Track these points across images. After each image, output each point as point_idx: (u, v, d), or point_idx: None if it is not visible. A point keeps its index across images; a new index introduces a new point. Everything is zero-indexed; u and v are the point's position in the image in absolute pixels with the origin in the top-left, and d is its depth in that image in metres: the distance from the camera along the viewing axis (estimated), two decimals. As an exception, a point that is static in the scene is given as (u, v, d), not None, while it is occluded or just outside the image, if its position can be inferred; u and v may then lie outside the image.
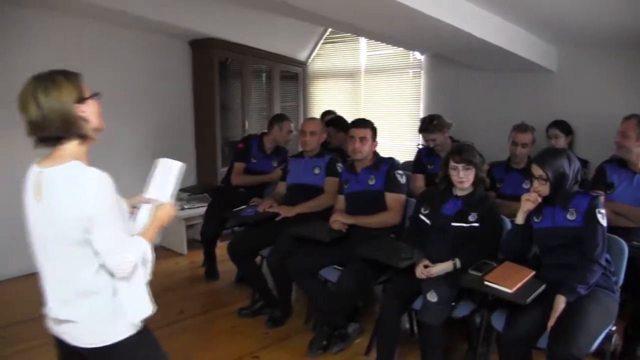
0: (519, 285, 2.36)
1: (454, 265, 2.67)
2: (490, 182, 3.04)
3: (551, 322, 2.27)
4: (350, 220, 3.24)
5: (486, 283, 2.40)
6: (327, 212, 3.45)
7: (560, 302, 2.29)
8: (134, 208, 1.83)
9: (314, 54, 6.45)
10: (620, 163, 3.17)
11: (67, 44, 4.44)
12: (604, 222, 2.41)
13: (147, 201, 1.82)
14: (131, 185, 1.95)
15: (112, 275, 1.60)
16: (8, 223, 4.12)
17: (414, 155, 4.22)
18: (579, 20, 3.59)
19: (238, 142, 4.68)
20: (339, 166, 3.66)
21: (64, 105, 1.52)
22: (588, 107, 4.10)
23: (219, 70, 5.39)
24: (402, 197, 3.29)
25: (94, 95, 1.62)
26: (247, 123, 5.72)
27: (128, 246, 1.59)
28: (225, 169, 4.71)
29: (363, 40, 5.94)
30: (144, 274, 1.66)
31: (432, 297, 2.57)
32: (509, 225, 2.83)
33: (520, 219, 2.60)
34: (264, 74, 6.10)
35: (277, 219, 3.57)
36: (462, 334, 3.12)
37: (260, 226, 3.64)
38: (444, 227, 2.82)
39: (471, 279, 2.49)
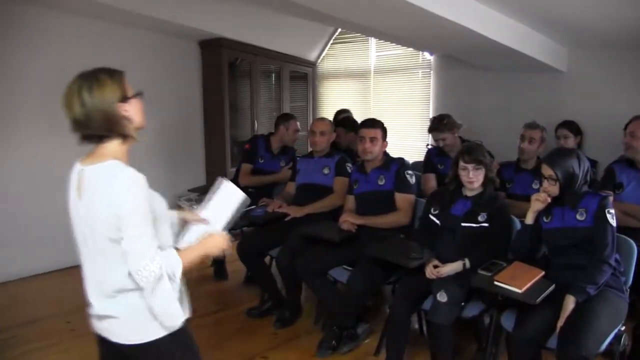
0: (529, 285, 2.36)
1: (464, 265, 2.68)
2: (499, 182, 3.03)
3: (560, 322, 2.27)
4: (360, 220, 3.25)
5: (496, 283, 2.40)
6: (337, 212, 3.46)
7: (570, 302, 2.29)
8: (185, 222, 1.81)
9: (323, 54, 6.45)
10: (629, 163, 3.17)
11: (77, 44, 4.43)
12: (613, 222, 2.41)
13: (201, 221, 1.80)
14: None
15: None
16: (11, 225, 4.21)
17: (423, 156, 4.21)
18: (589, 21, 3.58)
19: (245, 143, 4.68)
20: (349, 166, 3.66)
21: (108, 104, 1.51)
22: (597, 107, 4.10)
23: (228, 71, 5.39)
24: (412, 197, 3.29)
25: (137, 95, 1.61)
26: (256, 123, 5.73)
27: (154, 254, 1.53)
28: (235, 169, 4.72)
29: (373, 41, 5.94)
30: (173, 289, 1.59)
31: (442, 297, 2.58)
32: (518, 225, 2.83)
33: (529, 219, 2.60)
34: (273, 74, 6.10)
35: (286, 219, 3.58)
36: (471, 334, 3.12)
37: (269, 226, 3.65)
38: (453, 227, 2.82)
39: (481, 279, 2.50)
